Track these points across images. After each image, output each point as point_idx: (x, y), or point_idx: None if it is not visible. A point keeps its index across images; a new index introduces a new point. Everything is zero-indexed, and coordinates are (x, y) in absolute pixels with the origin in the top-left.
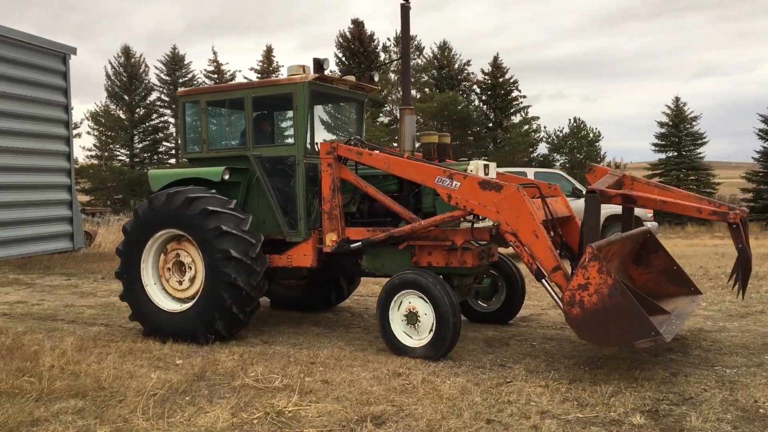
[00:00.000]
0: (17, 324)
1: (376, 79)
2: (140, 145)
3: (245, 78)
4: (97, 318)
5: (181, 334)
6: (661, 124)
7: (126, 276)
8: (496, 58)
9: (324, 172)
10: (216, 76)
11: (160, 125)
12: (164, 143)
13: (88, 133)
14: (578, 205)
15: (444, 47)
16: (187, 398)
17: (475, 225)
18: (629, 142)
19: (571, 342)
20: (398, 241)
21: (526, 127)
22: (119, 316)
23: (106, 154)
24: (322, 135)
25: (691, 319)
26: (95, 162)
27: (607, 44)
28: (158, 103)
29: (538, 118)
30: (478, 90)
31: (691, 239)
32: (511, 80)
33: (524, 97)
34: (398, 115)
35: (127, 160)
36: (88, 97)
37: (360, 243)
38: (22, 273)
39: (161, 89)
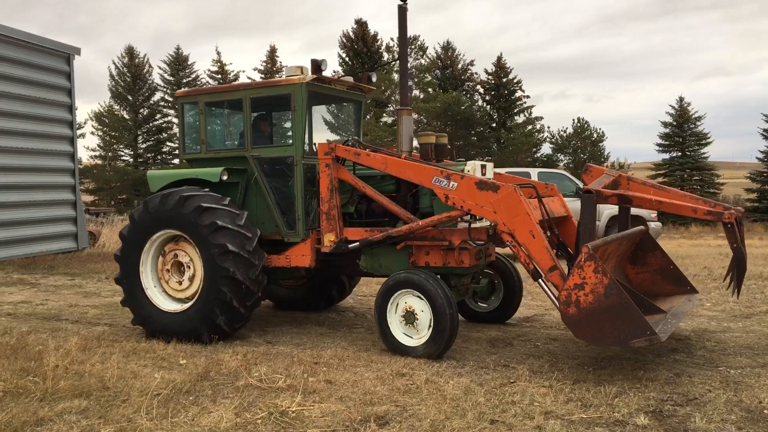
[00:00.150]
0: (21, 324)
1: (374, 79)
2: (144, 146)
3: (249, 78)
4: (101, 318)
5: (184, 334)
6: (665, 124)
7: (126, 281)
8: (499, 58)
9: (322, 172)
10: (220, 76)
11: (164, 125)
12: (168, 143)
13: (92, 133)
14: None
15: (447, 47)
16: (191, 398)
17: (473, 225)
18: (633, 143)
19: (574, 342)
20: (396, 241)
21: (530, 127)
22: (123, 316)
23: (109, 154)
24: (325, 135)
25: (695, 319)
26: (99, 162)
27: (610, 44)
28: (162, 103)
29: (541, 118)
30: (481, 90)
31: (695, 239)
32: (515, 80)
33: (528, 97)
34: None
35: (131, 160)
36: (92, 97)
37: (358, 243)
38: (26, 273)
39: (165, 89)
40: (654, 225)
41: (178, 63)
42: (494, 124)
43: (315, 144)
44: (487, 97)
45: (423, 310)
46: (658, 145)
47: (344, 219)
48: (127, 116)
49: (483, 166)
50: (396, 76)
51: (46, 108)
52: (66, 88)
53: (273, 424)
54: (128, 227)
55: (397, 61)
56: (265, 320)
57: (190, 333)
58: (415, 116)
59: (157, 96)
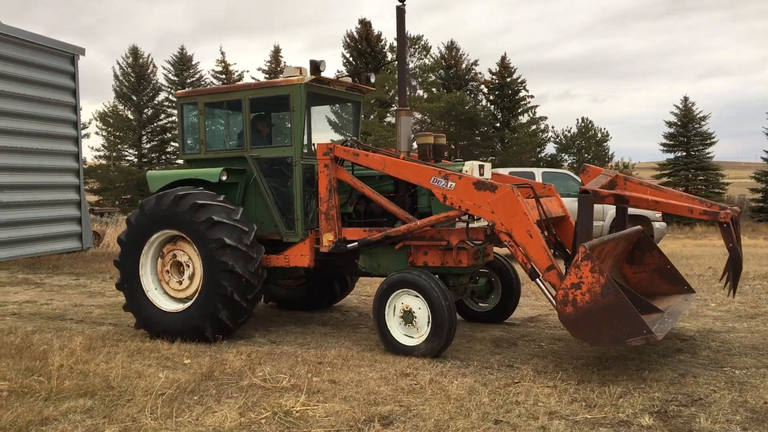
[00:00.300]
0: (26, 323)
1: (373, 80)
2: (148, 146)
3: (253, 78)
4: (106, 317)
5: (187, 332)
6: (670, 124)
7: (127, 285)
8: (503, 58)
9: (321, 172)
10: (224, 76)
11: (168, 125)
12: (172, 143)
13: (97, 133)
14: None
15: (451, 47)
16: (195, 398)
17: (470, 225)
18: (637, 142)
19: (578, 343)
20: (394, 241)
21: (534, 127)
22: (127, 315)
23: (114, 154)
24: (328, 135)
25: (700, 319)
26: (104, 162)
27: (615, 44)
28: (166, 103)
29: (545, 118)
30: (485, 90)
31: (700, 239)
32: (519, 80)
33: (532, 97)
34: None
35: (136, 160)
36: (96, 97)
37: (357, 243)
38: (31, 273)
39: (169, 89)
40: (658, 225)
41: (182, 63)
42: (498, 124)
43: (314, 144)
44: (491, 97)
45: (420, 307)
46: (663, 144)
47: (343, 219)
48: (131, 116)
49: (481, 167)
50: None
51: (51, 108)
52: (70, 88)
53: (277, 423)
54: (126, 232)
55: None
56: (269, 320)
57: (194, 331)
58: (418, 116)
59: (162, 96)
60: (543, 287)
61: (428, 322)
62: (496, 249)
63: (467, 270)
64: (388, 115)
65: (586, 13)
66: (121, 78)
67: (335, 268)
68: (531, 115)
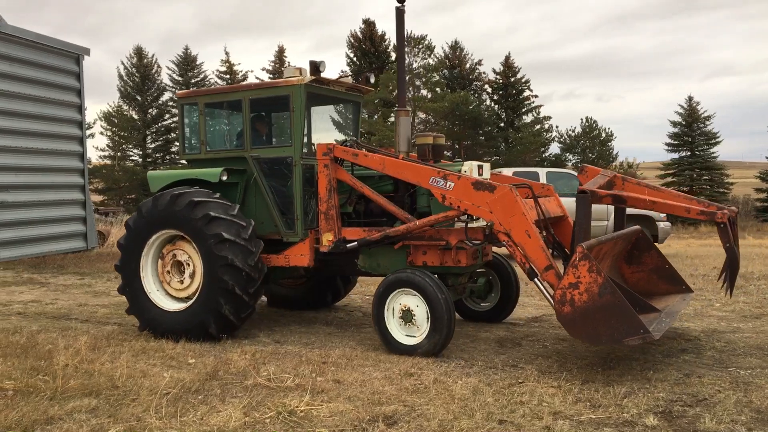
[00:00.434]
0: (31, 323)
1: (372, 80)
2: (153, 145)
3: (257, 78)
4: (111, 317)
5: (192, 330)
6: (674, 124)
7: (129, 289)
8: (507, 58)
9: (320, 173)
10: (228, 76)
11: (173, 125)
12: (176, 143)
13: (101, 133)
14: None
15: (456, 47)
16: (200, 397)
17: (469, 225)
18: (642, 142)
19: (583, 343)
20: (394, 241)
21: (538, 126)
22: (131, 316)
23: (119, 154)
24: (329, 136)
25: (705, 319)
26: (108, 162)
27: (620, 44)
28: (170, 103)
29: (550, 117)
30: (489, 90)
31: (704, 239)
32: (523, 80)
33: (536, 96)
34: (413, 115)
35: (140, 160)
36: (101, 97)
37: (356, 243)
38: (36, 272)
39: (173, 89)
40: (663, 225)
41: (187, 63)
42: (502, 124)
43: (314, 144)
44: (495, 97)
45: (418, 304)
46: (668, 144)
47: (342, 219)
48: (135, 116)
49: (480, 167)
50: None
51: (56, 108)
52: (75, 88)
53: (281, 423)
54: (125, 236)
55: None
56: (273, 320)
57: (198, 328)
58: (422, 116)
59: (166, 96)
60: (541, 287)
61: (427, 318)
62: (495, 249)
63: (466, 270)
64: (392, 115)
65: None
66: (125, 78)
67: (335, 268)
68: (535, 115)
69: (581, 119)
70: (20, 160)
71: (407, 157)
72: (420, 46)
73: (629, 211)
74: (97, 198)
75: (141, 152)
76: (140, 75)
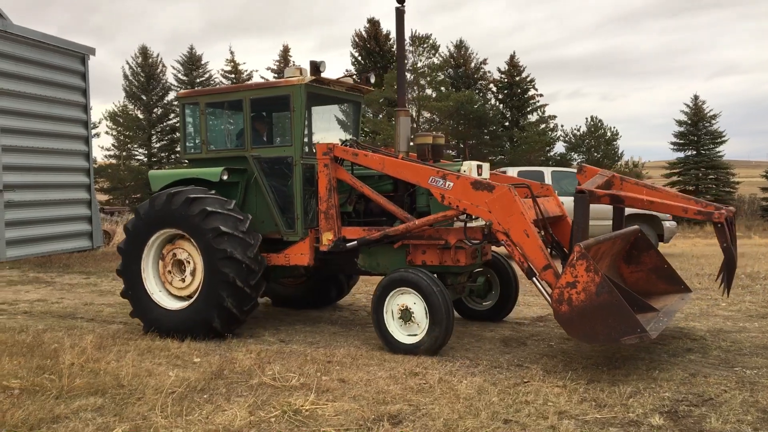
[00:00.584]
0: (37, 322)
1: (372, 80)
2: (158, 145)
3: (262, 77)
4: (116, 316)
5: (196, 327)
6: (680, 123)
7: (132, 292)
8: (512, 57)
9: (320, 172)
10: (233, 75)
11: (178, 125)
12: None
13: (107, 132)
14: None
15: (460, 46)
16: (205, 396)
17: (468, 224)
18: (647, 141)
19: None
20: (393, 240)
21: (543, 126)
22: None
23: (124, 153)
24: (329, 135)
25: (711, 319)
26: (114, 161)
27: (626, 43)
28: (175, 102)
29: (555, 117)
30: (494, 89)
31: (710, 239)
32: (528, 79)
33: (541, 95)
34: (414, 114)
35: (145, 159)
36: (106, 97)
37: (356, 242)
38: (42, 271)
39: (178, 89)
40: (669, 224)
41: (192, 63)
42: (507, 123)
43: (315, 144)
44: (500, 96)
45: (415, 302)
46: (673, 143)
47: (342, 218)
48: (141, 116)
49: (479, 166)
50: (408, 75)
51: (62, 108)
52: (81, 88)
53: (287, 422)
54: (125, 240)
55: (405, 63)
56: (278, 319)
57: (203, 324)
58: (427, 115)
59: (171, 96)
60: (540, 286)
61: (426, 313)
62: (494, 248)
63: (465, 269)
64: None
65: (596, 11)
66: (130, 78)
67: (335, 267)
68: (540, 114)
69: (586, 118)
70: (26, 159)
71: (407, 157)
72: (425, 46)
73: (636, 211)
74: (102, 197)
75: (146, 151)
76: (145, 74)
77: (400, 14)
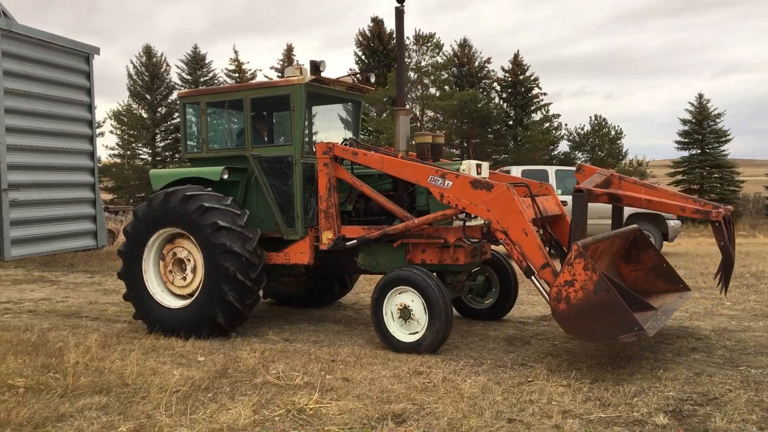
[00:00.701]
0: (42, 321)
1: (373, 80)
2: (162, 144)
3: (266, 77)
4: (121, 315)
5: (200, 324)
6: (684, 122)
7: (134, 294)
8: (516, 56)
9: (320, 171)
10: (237, 75)
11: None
12: None
13: (111, 132)
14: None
15: (464, 45)
16: (210, 395)
17: (467, 223)
18: (652, 140)
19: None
20: (393, 239)
21: (547, 125)
22: None
23: (128, 152)
24: (329, 135)
25: (716, 318)
26: (118, 161)
27: (630, 41)
28: (179, 102)
29: (559, 115)
30: (498, 88)
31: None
32: (532, 78)
33: (545, 94)
34: (417, 113)
35: (150, 158)
36: (111, 96)
37: (355, 241)
38: (46, 270)
39: (182, 88)
40: (673, 223)
41: (196, 62)
42: (511, 122)
43: (314, 143)
44: (504, 95)
45: (413, 299)
46: (677, 142)
47: (342, 217)
48: (145, 115)
49: (478, 165)
50: (411, 74)
51: (66, 107)
52: (85, 87)
53: (291, 421)
54: (125, 243)
55: (407, 62)
56: (282, 318)
57: (206, 321)
58: (431, 114)
59: (175, 95)
60: (538, 285)
61: (424, 309)
62: (494, 247)
63: (464, 268)
64: None
65: (601, 10)
66: (135, 77)
67: (335, 266)
68: (544, 113)
69: (590, 117)
70: (31, 158)
71: (406, 156)
72: (428, 44)
73: (641, 210)
74: (107, 196)
75: (150, 151)
76: (149, 74)
77: (399, 14)
